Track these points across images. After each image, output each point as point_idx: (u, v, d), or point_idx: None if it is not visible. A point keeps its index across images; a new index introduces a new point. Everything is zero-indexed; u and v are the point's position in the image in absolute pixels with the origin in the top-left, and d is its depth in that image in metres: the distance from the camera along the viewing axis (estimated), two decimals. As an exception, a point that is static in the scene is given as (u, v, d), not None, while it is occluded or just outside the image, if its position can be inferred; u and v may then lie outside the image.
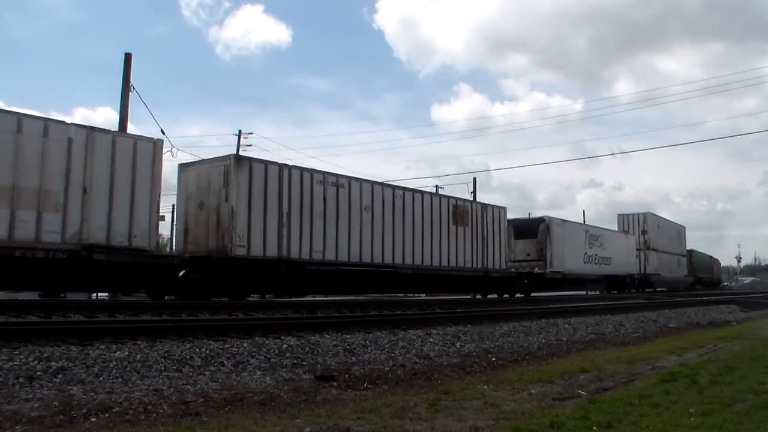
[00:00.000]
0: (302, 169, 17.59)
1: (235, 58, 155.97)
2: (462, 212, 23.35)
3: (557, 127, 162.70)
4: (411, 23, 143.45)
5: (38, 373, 5.78)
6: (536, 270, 27.80)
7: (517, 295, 25.81)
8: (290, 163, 17.48)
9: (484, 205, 25.29)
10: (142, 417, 4.67)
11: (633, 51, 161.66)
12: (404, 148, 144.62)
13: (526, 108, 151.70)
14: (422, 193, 22.34)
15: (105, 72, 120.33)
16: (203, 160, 17.14)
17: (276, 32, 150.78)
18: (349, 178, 18.98)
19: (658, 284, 41.44)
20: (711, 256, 64.03)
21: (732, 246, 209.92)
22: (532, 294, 26.74)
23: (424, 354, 8.89)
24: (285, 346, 8.14)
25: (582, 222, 41.05)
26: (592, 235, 33.27)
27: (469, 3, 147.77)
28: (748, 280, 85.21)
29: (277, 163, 17.18)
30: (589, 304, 20.53)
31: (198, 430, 4.21)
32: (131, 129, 20.26)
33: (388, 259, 19.66)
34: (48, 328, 7.74)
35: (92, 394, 5.33)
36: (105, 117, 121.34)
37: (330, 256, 17.69)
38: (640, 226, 40.70)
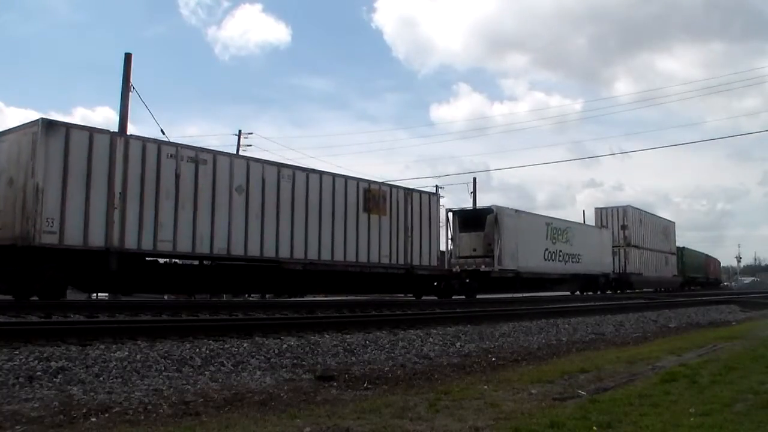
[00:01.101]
0: (145, 140, 14.80)
1: (234, 57, 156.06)
2: (377, 198, 20.03)
3: (557, 126, 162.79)
4: (410, 23, 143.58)
5: (38, 373, 5.78)
6: (483, 268, 24.30)
7: (456, 297, 22.30)
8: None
9: (409, 191, 21.95)
10: (142, 417, 4.67)
11: (633, 50, 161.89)
12: (404, 148, 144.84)
13: (525, 108, 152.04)
14: (321, 173, 18.81)
15: (104, 72, 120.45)
16: (17, 126, 14.05)
17: (275, 31, 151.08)
18: (215, 153, 16.18)
19: (640, 284, 38.41)
20: (707, 255, 61.52)
21: (732, 246, 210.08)
22: (477, 296, 23.38)
23: (424, 354, 8.88)
24: (285, 346, 8.14)
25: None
26: (556, 228, 29.40)
27: (468, 2, 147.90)
28: (748, 280, 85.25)
29: (108, 131, 14.51)
30: (589, 304, 20.51)
31: (198, 430, 4.21)
32: (131, 129, 20.28)
33: (270, 252, 16.60)
34: (48, 328, 7.73)
35: (92, 394, 5.33)
36: (104, 117, 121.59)
37: (184, 246, 14.81)
38: (620, 220, 37.44)
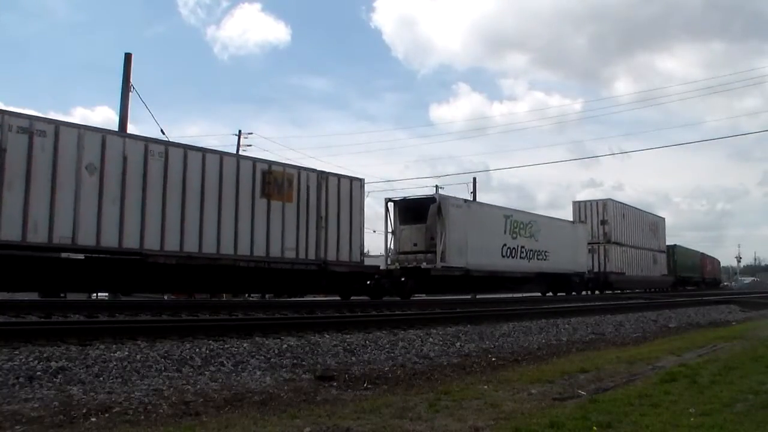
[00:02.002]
0: None
1: (234, 57, 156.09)
2: (281, 182, 17.31)
3: (557, 126, 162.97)
4: (409, 22, 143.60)
5: (38, 373, 5.78)
6: (424, 265, 21.15)
7: (387, 297, 19.75)
8: None
9: (324, 174, 18.83)
10: (142, 417, 4.68)
11: (633, 50, 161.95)
12: (403, 148, 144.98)
13: (525, 108, 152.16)
14: (204, 151, 16.16)
15: (103, 72, 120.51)
16: None
17: (274, 31, 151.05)
18: (58, 123, 13.59)
19: (622, 284, 35.53)
20: (703, 254, 58.48)
21: (732, 246, 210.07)
22: (414, 297, 21.35)
23: (424, 354, 8.88)
24: (285, 346, 8.14)
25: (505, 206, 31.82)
26: (517, 222, 26.02)
27: (467, 2, 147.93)
28: (748, 280, 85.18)
29: None
30: (589, 304, 20.51)
31: (198, 430, 4.21)
32: (131, 128, 20.17)
33: (131, 243, 14.16)
34: (48, 328, 7.74)
35: (92, 394, 5.33)
36: (104, 116, 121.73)
37: (11, 235, 12.40)
38: (599, 215, 34.19)
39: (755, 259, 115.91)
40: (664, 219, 45.08)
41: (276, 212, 17.22)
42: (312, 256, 17.98)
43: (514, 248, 25.62)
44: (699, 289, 48.57)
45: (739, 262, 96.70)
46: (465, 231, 22.66)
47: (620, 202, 37.10)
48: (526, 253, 26.46)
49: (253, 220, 16.62)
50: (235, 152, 17.54)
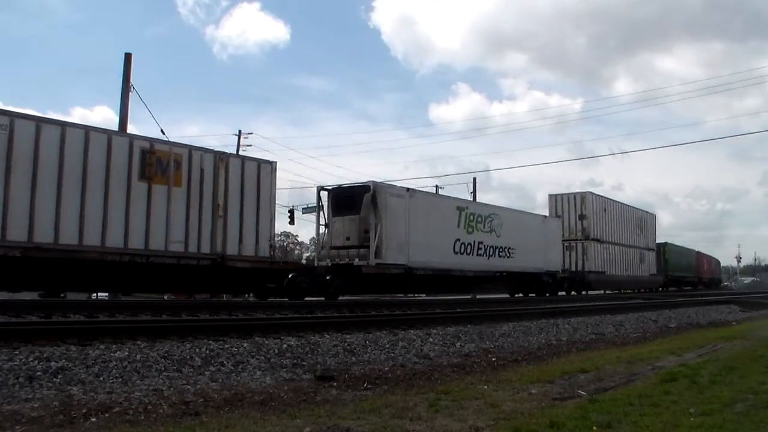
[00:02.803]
0: None
1: (233, 57, 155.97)
2: (165, 163, 15.06)
3: (556, 126, 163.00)
4: (408, 22, 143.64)
5: (38, 373, 5.78)
6: (357, 261, 18.83)
7: (309, 298, 17.53)
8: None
9: (222, 155, 16.62)
10: (142, 417, 4.68)
11: (633, 50, 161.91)
12: (403, 148, 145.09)
13: (524, 107, 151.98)
14: (64, 125, 13.85)
15: (102, 71, 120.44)
16: None
17: (274, 30, 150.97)
18: None
19: (603, 285, 33.15)
20: (699, 252, 55.51)
21: (732, 246, 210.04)
22: (341, 297, 18.47)
23: (424, 354, 8.89)
24: (285, 346, 8.14)
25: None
26: (473, 215, 23.31)
27: (467, 1, 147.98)
28: (748, 280, 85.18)
29: None
30: (589, 304, 20.53)
31: (198, 430, 4.21)
32: (131, 128, 20.04)
33: None
34: (48, 328, 7.74)
35: (92, 394, 5.33)
36: (103, 116, 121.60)
37: None
38: (577, 209, 31.33)
39: (755, 259, 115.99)
40: (654, 215, 42.49)
41: (159, 198, 14.79)
42: (206, 249, 15.61)
43: (469, 244, 22.81)
44: (694, 290, 46.36)
45: (739, 262, 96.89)
46: (407, 224, 20.03)
47: (601, 196, 34.06)
48: (486, 250, 23.61)
49: (128, 207, 14.25)
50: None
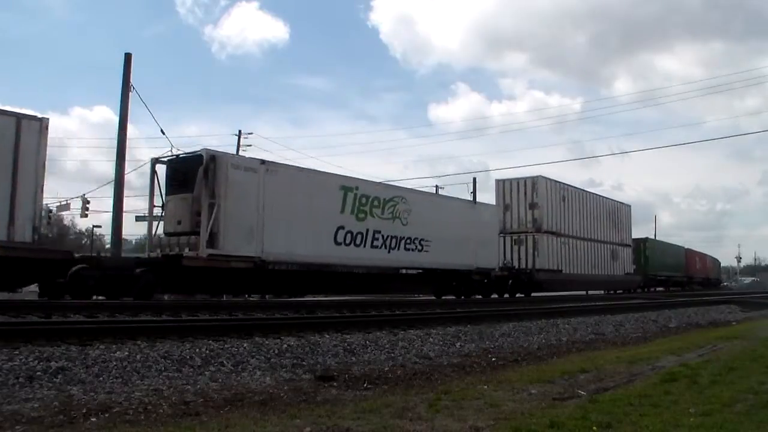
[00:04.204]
0: None
1: (232, 56, 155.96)
2: None
3: (556, 126, 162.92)
4: (406, 21, 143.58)
5: (38, 373, 5.78)
6: (186, 252, 14.96)
7: (99, 297, 13.90)
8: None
9: None
10: (142, 417, 4.68)
11: (633, 49, 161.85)
12: (403, 148, 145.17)
13: (524, 107, 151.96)
14: None
15: (101, 71, 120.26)
16: None
17: (272, 29, 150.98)
18: None
19: (560, 285, 27.86)
20: (690, 250, 51.23)
21: (732, 246, 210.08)
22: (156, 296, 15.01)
23: (424, 354, 8.89)
24: (285, 346, 8.15)
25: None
26: (365, 197, 18.58)
27: (466, 0, 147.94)
28: (748, 280, 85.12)
29: None
30: (589, 304, 20.56)
31: (198, 430, 4.21)
32: (130, 128, 19.90)
33: None
34: (48, 328, 7.74)
35: (92, 394, 5.33)
36: (102, 116, 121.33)
37: None
38: (527, 197, 26.80)
39: (755, 259, 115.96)
40: (629, 206, 37.23)
41: None
42: None
43: (359, 233, 18.23)
44: (684, 291, 42.89)
45: (739, 262, 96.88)
46: (260, 205, 15.94)
47: (558, 182, 28.79)
48: (385, 241, 18.98)
49: None
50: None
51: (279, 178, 16.69)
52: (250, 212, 15.80)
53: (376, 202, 19.00)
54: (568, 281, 28.59)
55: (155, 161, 16.66)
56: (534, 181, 27.07)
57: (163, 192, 16.36)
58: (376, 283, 19.63)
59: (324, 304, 17.02)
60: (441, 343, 9.86)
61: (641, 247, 39.73)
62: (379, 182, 21.10)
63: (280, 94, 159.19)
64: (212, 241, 14.97)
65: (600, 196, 33.95)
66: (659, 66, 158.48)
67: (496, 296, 24.10)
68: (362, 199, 18.54)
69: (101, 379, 5.90)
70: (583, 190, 31.98)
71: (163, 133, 21.64)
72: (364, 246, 18.43)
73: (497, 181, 28.10)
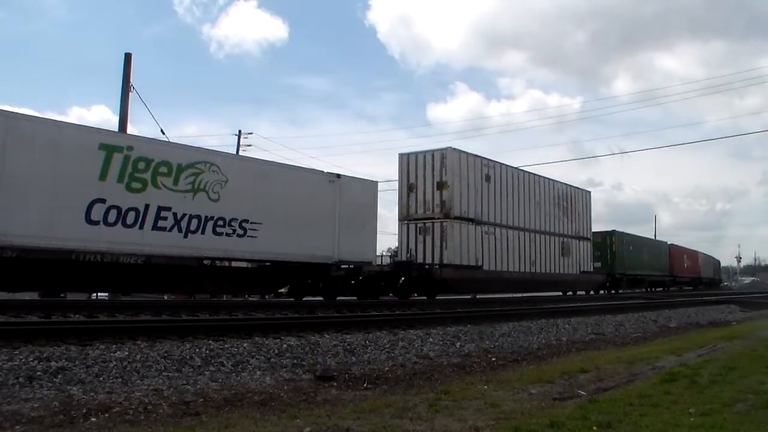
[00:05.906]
0: None
1: (230, 55, 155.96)
2: None
3: (556, 126, 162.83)
4: (405, 21, 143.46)
5: (38, 373, 5.78)
6: None
7: None
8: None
9: None
10: (142, 417, 4.68)
11: (632, 49, 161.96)
12: (402, 147, 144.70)
13: (523, 106, 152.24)
14: None
15: (100, 71, 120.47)
16: None
17: (271, 28, 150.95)
18: None
19: (476, 285, 21.80)
20: (675, 246, 45.38)
21: (732, 246, 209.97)
22: None
23: (424, 354, 8.89)
24: (285, 346, 8.15)
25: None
26: (145, 160, 13.47)
27: (465, 0, 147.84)
28: (748, 280, 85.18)
29: None
30: (589, 304, 20.56)
31: (198, 430, 4.21)
32: (130, 128, 19.72)
33: None
34: (48, 328, 7.75)
35: (92, 394, 5.33)
36: (101, 116, 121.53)
37: None
38: (435, 174, 20.78)
39: (755, 259, 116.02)
40: (588, 193, 30.35)
41: None
42: None
43: (133, 209, 13.25)
44: (665, 292, 39.00)
45: (739, 262, 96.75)
46: None
47: (481, 156, 22.51)
48: (179, 222, 14.00)
49: None
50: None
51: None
52: None
53: (164, 169, 13.89)
54: (490, 280, 22.27)
55: None
56: (443, 154, 20.84)
57: None
58: (169, 277, 14.34)
59: (324, 303, 16.99)
60: (441, 343, 9.86)
61: (607, 241, 33.98)
62: (174, 142, 16.18)
63: (279, 94, 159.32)
64: None
65: (546, 178, 26.72)
66: (659, 65, 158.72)
67: (381, 299, 18.73)
68: (139, 163, 13.46)
69: (101, 379, 5.90)
70: (520, 170, 25.19)
71: (163, 133, 21.53)
72: (142, 227, 13.44)
73: (401, 156, 21.74)
